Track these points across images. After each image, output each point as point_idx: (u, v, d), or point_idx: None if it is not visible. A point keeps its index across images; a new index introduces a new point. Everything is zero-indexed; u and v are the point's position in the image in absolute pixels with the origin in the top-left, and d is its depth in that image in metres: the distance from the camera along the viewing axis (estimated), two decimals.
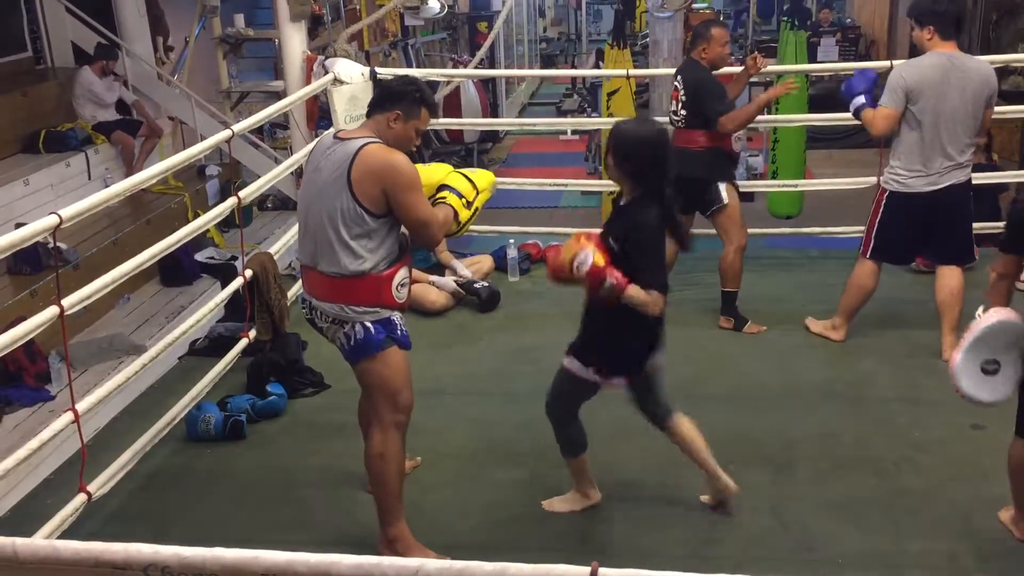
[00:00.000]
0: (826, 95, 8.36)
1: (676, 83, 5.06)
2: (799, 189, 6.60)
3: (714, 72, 5.02)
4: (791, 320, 5.24)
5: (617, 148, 3.17)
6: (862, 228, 6.13)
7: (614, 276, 3.03)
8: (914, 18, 4.52)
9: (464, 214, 3.38)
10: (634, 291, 3.06)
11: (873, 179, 6.00)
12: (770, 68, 8.10)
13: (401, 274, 3.26)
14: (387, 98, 3.27)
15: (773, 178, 6.91)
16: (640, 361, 3.30)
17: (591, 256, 3.02)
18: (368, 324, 3.22)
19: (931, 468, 3.81)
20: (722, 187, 4.97)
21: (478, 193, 3.45)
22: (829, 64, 8.37)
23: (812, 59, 9.67)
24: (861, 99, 4.65)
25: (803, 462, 3.89)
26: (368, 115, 3.32)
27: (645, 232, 3.12)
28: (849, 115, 4.90)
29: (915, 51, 4.81)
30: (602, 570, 1.39)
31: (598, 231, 3.21)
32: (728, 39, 5.07)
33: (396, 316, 3.29)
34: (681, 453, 3.44)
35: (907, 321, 5.18)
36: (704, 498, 3.52)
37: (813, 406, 4.35)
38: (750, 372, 4.72)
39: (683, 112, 4.98)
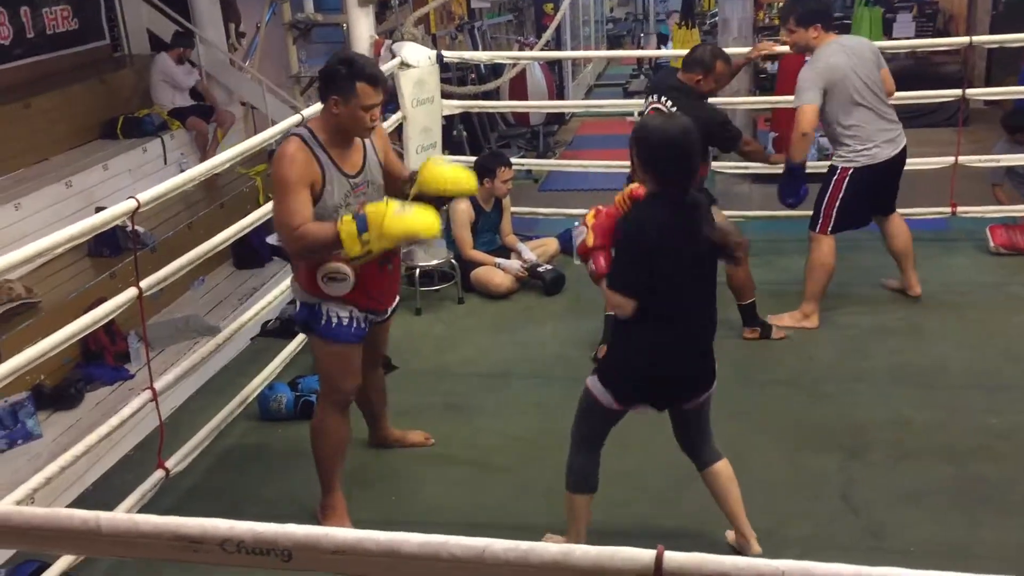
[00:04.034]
0: (901, 73, 8.15)
1: (660, 107, 4.41)
2: None
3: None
4: (860, 303, 5.14)
5: (640, 146, 2.90)
6: (938, 209, 5.96)
7: (596, 262, 2.79)
8: (795, 21, 4.73)
9: (353, 248, 3.00)
10: (605, 285, 2.83)
11: (950, 159, 5.85)
12: None
13: (329, 267, 3.16)
14: (322, 85, 3.17)
15: None
16: (654, 390, 2.97)
17: (585, 233, 2.81)
18: (299, 303, 3.36)
19: (1007, 456, 3.72)
20: (714, 211, 4.69)
21: (377, 236, 2.96)
22: (905, 41, 8.13)
23: (888, 35, 9.40)
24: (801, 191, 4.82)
25: (873, 448, 3.83)
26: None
27: (629, 230, 2.83)
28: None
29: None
30: (668, 554, 1.38)
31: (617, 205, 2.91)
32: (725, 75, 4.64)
33: (326, 307, 3.26)
34: (716, 497, 3.18)
35: (983, 304, 5.05)
36: (730, 535, 3.26)
37: (883, 391, 4.28)
38: (817, 356, 4.65)
39: None
